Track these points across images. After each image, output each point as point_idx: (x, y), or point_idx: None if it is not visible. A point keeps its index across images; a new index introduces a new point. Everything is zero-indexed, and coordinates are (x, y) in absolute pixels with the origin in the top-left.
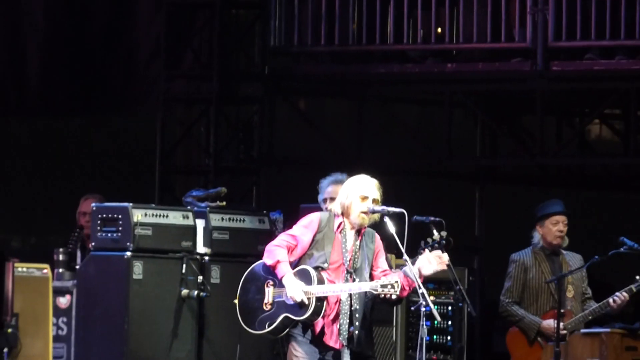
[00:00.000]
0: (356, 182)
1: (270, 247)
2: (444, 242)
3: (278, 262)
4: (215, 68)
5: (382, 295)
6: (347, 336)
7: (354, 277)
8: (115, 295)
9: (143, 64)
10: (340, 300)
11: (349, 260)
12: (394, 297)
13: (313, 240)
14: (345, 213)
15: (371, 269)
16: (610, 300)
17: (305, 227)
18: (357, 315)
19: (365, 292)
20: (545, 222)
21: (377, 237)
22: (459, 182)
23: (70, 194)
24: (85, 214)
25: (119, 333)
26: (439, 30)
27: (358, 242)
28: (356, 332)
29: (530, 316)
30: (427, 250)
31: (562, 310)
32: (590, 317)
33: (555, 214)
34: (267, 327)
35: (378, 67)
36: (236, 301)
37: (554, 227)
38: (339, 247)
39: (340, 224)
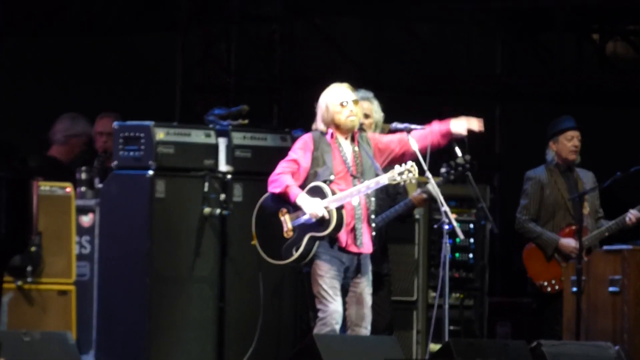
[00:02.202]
0: (330, 93)
1: (274, 176)
2: (467, 165)
3: (287, 186)
4: None
5: (402, 183)
6: (363, 241)
7: (362, 181)
8: (138, 214)
9: None
10: (353, 206)
11: (352, 166)
12: (413, 181)
13: (312, 158)
14: (331, 126)
15: (385, 162)
16: (626, 218)
17: (301, 149)
18: (372, 217)
19: (379, 196)
20: (560, 137)
21: (369, 134)
22: (478, 99)
23: (89, 113)
24: (102, 133)
25: (142, 252)
26: None
27: (356, 148)
28: (373, 233)
29: (548, 233)
30: (450, 173)
31: (576, 227)
32: (606, 234)
33: (569, 129)
34: (294, 252)
35: None
36: (254, 242)
37: (569, 143)
38: (339, 157)
39: (332, 134)
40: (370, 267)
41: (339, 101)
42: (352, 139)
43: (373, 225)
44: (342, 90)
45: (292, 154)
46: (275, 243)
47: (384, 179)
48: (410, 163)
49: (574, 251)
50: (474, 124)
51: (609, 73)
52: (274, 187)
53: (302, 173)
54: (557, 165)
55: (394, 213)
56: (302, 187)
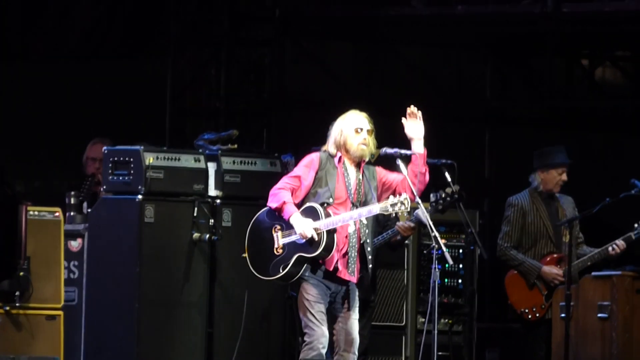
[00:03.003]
0: (347, 118)
1: (274, 190)
2: (456, 196)
3: (284, 203)
4: (226, 10)
5: (394, 215)
6: (355, 270)
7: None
8: (127, 238)
9: (154, 7)
10: (348, 233)
11: (354, 194)
12: (405, 214)
13: (315, 178)
14: (342, 149)
15: (385, 194)
16: (610, 248)
17: (306, 167)
18: (368, 249)
19: (374, 226)
20: (551, 170)
21: (377, 168)
22: (469, 124)
23: (76, 137)
24: (94, 159)
25: (131, 276)
26: None
27: (360, 176)
28: (369, 265)
29: (530, 260)
30: (439, 203)
31: (558, 255)
32: (588, 263)
33: (563, 165)
34: (281, 270)
35: (388, 10)
36: (245, 255)
37: (559, 176)
38: (342, 182)
39: (340, 158)
40: (357, 294)
41: (354, 127)
42: (358, 167)
43: (369, 257)
44: (359, 117)
45: (296, 170)
46: (264, 258)
47: (377, 209)
48: (404, 195)
49: (556, 279)
50: (410, 123)
51: (598, 98)
52: (271, 202)
53: (303, 190)
54: (540, 192)
55: (381, 240)
56: (301, 204)
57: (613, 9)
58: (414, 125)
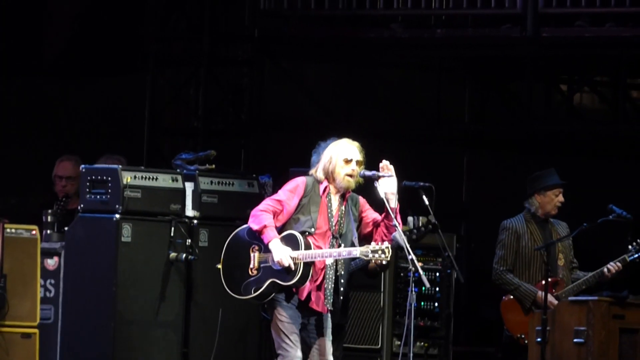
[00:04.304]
0: (338, 146)
1: (256, 211)
2: (430, 227)
3: (265, 226)
4: (205, 30)
5: (373, 261)
6: (332, 301)
7: (340, 242)
8: (104, 257)
9: (132, 25)
10: (326, 265)
11: (335, 225)
12: (384, 262)
13: (299, 204)
14: (329, 178)
15: (360, 232)
16: (605, 269)
17: (290, 192)
18: (342, 281)
19: (350, 258)
20: (548, 192)
21: (361, 199)
22: (447, 147)
23: (53, 155)
24: (61, 177)
25: (107, 295)
26: None
27: (343, 207)
28: (340, 297)
29: (526, 285)
30: (413, 232)
31: (553, 279)
32: (583, 287)
33: (559, 186)
34: (253, 292)
35: (367, 32)
36: (219, 266)
37: (556, 198)
38: (325, 211)
39: (326, 188)
40: (330, 320)
41: (344, 157)
42: (343, 197)
43: (342, 289)
44: (350, 147)
45: (280, 194)
46: (238, 275)
47: (357, 252)
48: (386, 244)
49: (552, 304)
50: (384, 179)
51: (576, 123)
52: (252, 223)
53: (285, 215)
54: (535, 216)
55: (354, 267)
56: (282, 228)
57: (593, 34)
58: (387, 180)
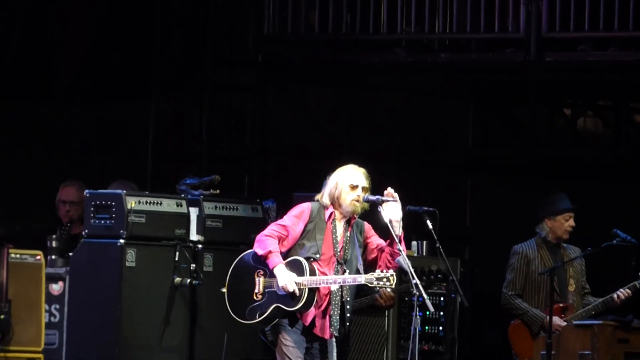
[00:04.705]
0: (345, 172)
1: (261, 237)
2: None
3: (270, 252)
4: (209, 55)
5: (377, 288)
6: (337, 327)
7: (345, 268)
8: (108, 282)
9: (137, 51)
10: (331, 291)
11: (340, 251)
12: (388, 289)
13: (304, 230)
14: (335, 203)
15: (365, 257)
16: (615, 295)
17: (296, 217)
18: (347, 307)
19: (355, 286)
20: (558, 217)
21: (366, 225)
22: (450, 171)
23: (57, 180)
24: (65, 202)
25: (112, 320)
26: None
27: (348, 234)
28: (347, 324)
29: (534, 310)
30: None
31: (563, 304)
32: (592, 312)
33: (569, 210)
34: (257, 317)
35: (371, 56)
36: (224, 290)
37: (566, 223)
38: (330, 237)
39: (331, 214)
40: (334, 345)
41: (350, 183)
42: (348, 223)
43: (348, 315)
44: (356, 173)
45: (285, 220)
46: (242, 300)
47: (362, 279)
48: (391, 272)
49: (559, 329)
50: (388, 205)
51: (580, 147)
52: (257, 248)
53: (290, 241)
54: (546, 240)
55: (359, 304)
56: (287, 254)
57: (596, 59)
58: (392, 208)
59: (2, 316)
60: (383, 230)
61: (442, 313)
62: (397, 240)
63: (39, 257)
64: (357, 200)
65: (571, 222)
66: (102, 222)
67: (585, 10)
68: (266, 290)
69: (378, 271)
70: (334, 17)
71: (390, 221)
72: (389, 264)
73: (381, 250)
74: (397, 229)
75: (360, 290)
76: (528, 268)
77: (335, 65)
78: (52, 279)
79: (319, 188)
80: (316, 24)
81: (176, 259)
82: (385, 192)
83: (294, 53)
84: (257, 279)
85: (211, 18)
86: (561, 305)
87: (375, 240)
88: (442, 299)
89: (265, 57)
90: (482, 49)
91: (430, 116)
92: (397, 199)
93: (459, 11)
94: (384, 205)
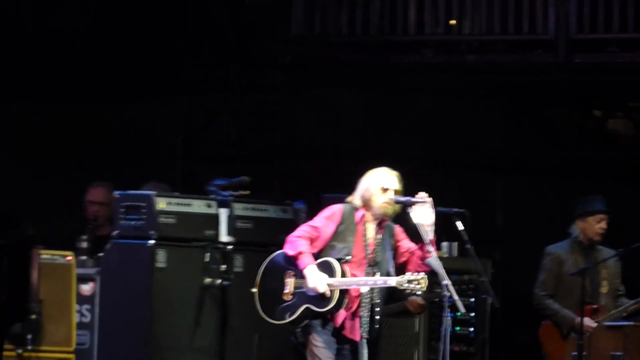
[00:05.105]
0: (377, 175)
1: (292, 237)
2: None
3: (300, 253)
4: (238, 56)
5: (408, 291)
6: (368, 329)
7: (375, 270)
8: (139, 283)
9: (166, 52)
10: (361, 293)
11: (371, 254)
12: (419, 292)
13: (335, 232)
14: (366, 205)
15: (395, 260)
16: None
17: (327, 219)
18: (377, 309)
19: (385, 289)
20: (589, 218)
21: (397, 228)
22: (480, 173)
23: (88, 181)
24: (93, 202)
25: (142, 321)
26: (453, 22)
27: (380, 236)
28: (376, 326)
29: (565, 311)
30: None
31: (595, 306)
32: (624, 314)
33: (600, 212)
34: (287, 317)
35: (400, 57)
36: (255, 290)
37: (597, 225)
38: (361, 240)
39: (363, 216)
40: (365, 347)
41: (382, 185)
42: (379, 226)
43: (377, 317)
44: (388, 176)
45: (316, 221)
46: (273, 300)
47: (393, 282)
48: (422, 275)
49: (589, 330)
50: (420, 209)
51: (611, 148)
52: (288, 248)
53: (321, 242)
54: (580, 242)
55: (388, 310)
56: (318, 255)
57: (626, 60)
58: (424, 212)
59: (34, 316)
60: (412, 231)
61: (472, 314)
62: (427, 244)
63: (69, 258)
64: (388, 203)
65: (603, 225)
66: (133, 222)
67: (614, 12)
68: (296, 290)
69: (409, 274)
70: (363, 19)
71: (423, 226)
72: (418, 268)
73: (412, 253)
74: (429, 233)
75: (391, 296)
76: (560, 269)
77: (364, 66)
78: (83, 279)
79: (348, 189)
80: (344, 25)
81: (206, 259)
82: (417, 196)
83: (322, 54)
84: (287, 280)
85: (241, 19)
86: (593, 306)
87: (406, 244)
88: (472, 299)
89: (294, 59)
90: (511, 50)
91: (460, 117)
92: (430, 202)
93: (488, 13)
94: (413, 207)
